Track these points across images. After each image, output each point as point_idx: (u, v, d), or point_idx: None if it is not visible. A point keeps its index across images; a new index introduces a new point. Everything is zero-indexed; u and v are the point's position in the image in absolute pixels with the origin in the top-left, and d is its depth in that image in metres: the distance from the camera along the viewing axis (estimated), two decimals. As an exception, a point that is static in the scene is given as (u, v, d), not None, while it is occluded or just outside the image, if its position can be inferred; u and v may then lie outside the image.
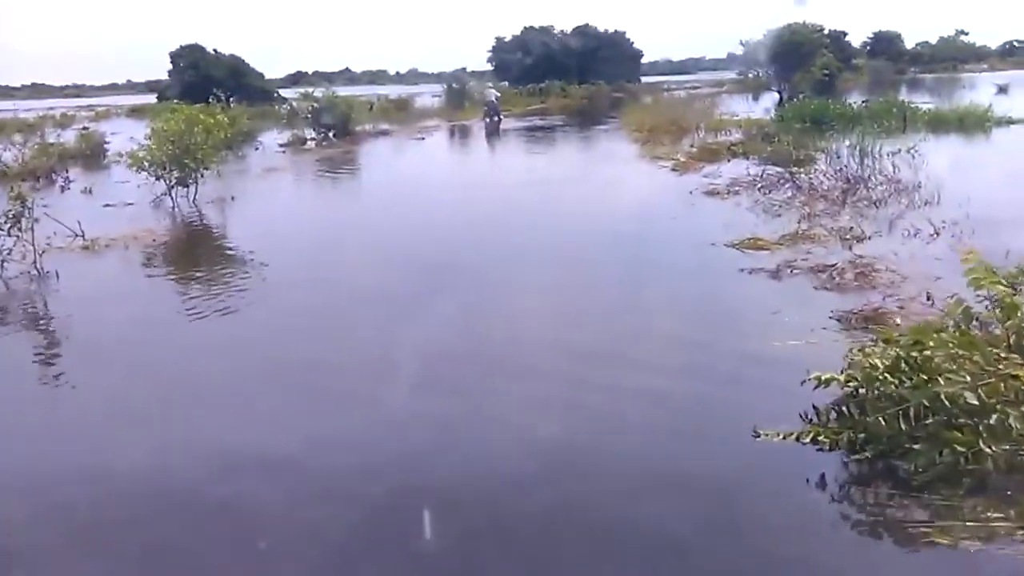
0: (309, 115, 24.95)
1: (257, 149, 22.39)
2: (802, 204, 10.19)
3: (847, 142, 15.49)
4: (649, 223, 9.84)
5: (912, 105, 21.67)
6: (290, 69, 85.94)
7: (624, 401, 4.58)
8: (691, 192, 11.50)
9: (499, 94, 33.70)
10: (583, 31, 62.39)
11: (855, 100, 24.52)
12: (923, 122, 19.81)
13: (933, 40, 75.93)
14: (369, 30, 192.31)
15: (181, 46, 53.45)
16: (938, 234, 7.95)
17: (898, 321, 5.35)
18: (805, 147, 16.15)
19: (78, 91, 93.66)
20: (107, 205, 12.29)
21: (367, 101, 35.63)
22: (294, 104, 27.61)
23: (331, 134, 24.43)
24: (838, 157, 14.16)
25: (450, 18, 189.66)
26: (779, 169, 13.57)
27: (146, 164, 11.74)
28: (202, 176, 12.16)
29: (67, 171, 17.08)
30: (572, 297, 6.69)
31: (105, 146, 21.18)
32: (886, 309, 5.55)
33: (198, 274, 8.11)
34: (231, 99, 46.60)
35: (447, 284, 7.30)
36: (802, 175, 12.02)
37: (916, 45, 74.99)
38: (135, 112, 42.68)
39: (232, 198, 12.56)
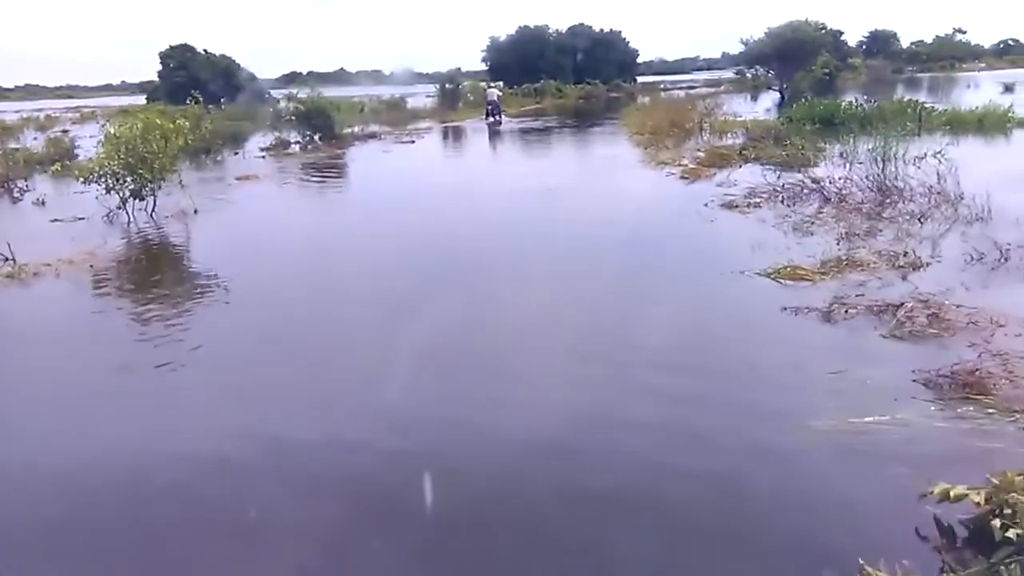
0: (293, 117, 23.70)
1: (236, 154, 21.12)
2: (834, 219, 9.02)
3: (867, 145, 14.42)
4: (665, 245, 8.57)
5: (927, 105, 20.56)
6: (285, 70, 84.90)
7: (665, 515, 3.37)
8: (706, 204, 10.29)
9: (500, 93, 33.12)
10: (578, 31, 61.29)
11: (860, 99, 23.44)
12: (940, 123, 18.66)
13: (928, 39, 75.17)
14: (365, 30, 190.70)
15: (171, 46, 52.41)
16: (1007, 259, 6.77)
17: (1005, 388, 4.17)
18: (820, 151, 15.09)
19: (71, 92, 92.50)
20: (55, 220, 10.98)
21: (359, 102, 34.64)
22: (277, 106, 26.25)
23: (316, 137, 23.27)
24: (860, 163, 13.04)
25: (445, 18, 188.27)
26: (798, 176, 12.46)
27: (95, 175, 10.39)
28: (159, 187, 10.87)
29: (25, 179, 15.84)
30: (583, 348, 5.44)
31: (75, 151, 19.90)
32: (986, 370, 4.36)
33: (132, 312, 6.74)
34: (222, 100, 45.80)
35: (430, 325, 6.08)
36: (827, 183, 10.83)
37: (911, 44, 74.27)
38: (121, 114, 41.09)
39: (195, 211, 11.21)
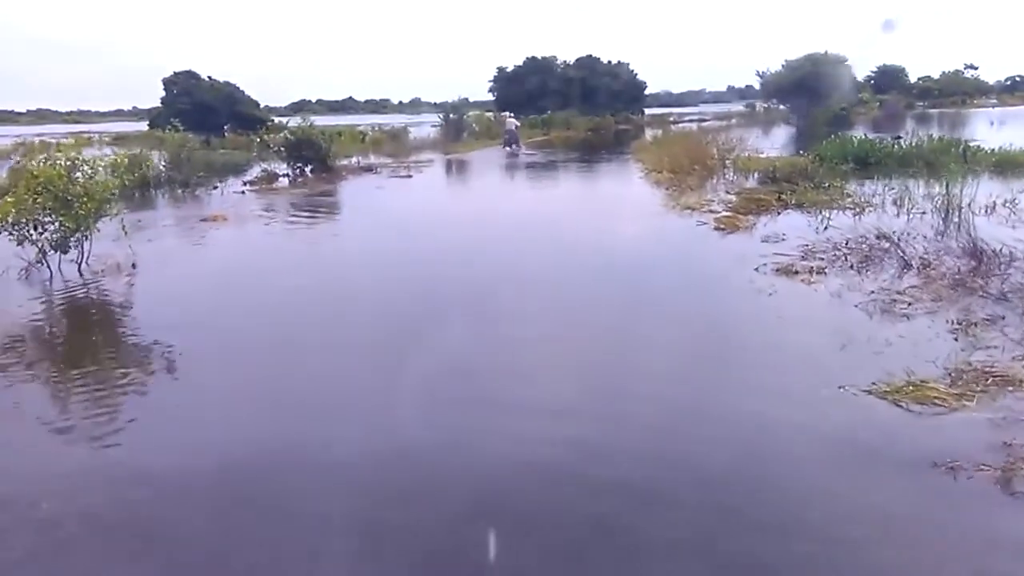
0: (282, 148, 22.01)
1: (216, 188, 19.22)
2: (927, 294, 7.08)
3: (920, 190, 12.63)
4: (720, 340, 6.30)
5: (971, 143, 18.87)
6: (294, 98, 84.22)
7: None
8: (756, 269, 8.34)
9: (518, 123, 32.38)
10: (586, 62, 60.12)
11: (891, 136, 21.90)
12: (989, 164, 16.86)
13: (934, 75, 73.86)
14: (373, 59, 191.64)
15: (175, 72, 51.19)
16: None
17: None
18: (867, 195, 13.34)
19: (81, 117, 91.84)
20: (-36, 274, 9.07)
21: (360, 131, 33.31)
22: (264, 136, 24.54)
23: (307, 170, 21.58)
24: (923, 213, 11.20)
25: (454, 48, 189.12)
26: (849, 223, 10.72)
27: (4, 223, 8.45)
28: (87, 237, 8.93)
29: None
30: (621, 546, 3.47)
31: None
32: None
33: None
34: (225, 127, 44.39)
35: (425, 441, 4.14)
36: (900, 241, 8.94)
37: (919, 79, 72.91)
38: (119, 140, 39.51)
39: (133, 265, 9.26)
